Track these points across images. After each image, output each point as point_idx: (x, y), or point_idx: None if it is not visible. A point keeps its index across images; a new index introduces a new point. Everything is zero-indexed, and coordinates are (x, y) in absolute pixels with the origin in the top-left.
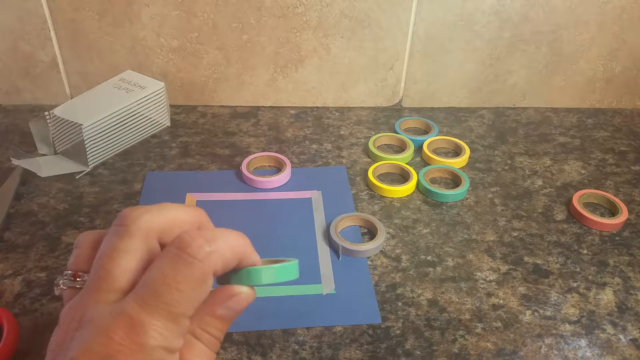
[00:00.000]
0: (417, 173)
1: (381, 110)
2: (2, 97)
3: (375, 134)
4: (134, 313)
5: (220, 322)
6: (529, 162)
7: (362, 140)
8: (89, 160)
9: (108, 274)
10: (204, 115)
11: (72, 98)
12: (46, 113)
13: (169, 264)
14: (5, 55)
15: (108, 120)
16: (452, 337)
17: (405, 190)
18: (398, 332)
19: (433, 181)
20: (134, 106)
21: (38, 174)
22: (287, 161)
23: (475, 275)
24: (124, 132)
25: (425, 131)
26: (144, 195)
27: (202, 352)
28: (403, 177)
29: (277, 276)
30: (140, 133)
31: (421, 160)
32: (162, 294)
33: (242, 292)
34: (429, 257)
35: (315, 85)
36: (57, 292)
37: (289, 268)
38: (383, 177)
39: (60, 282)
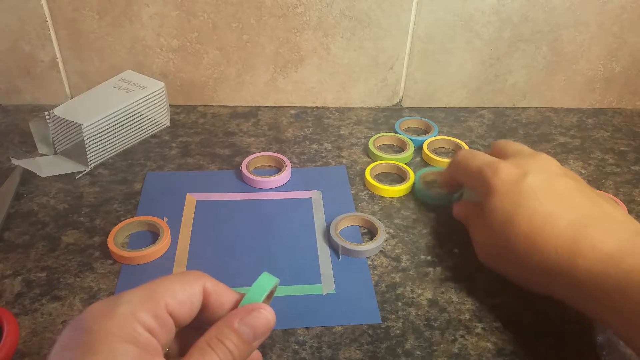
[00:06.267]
0: (415, 175)
1: (381, 110)
2: (2, 97)
3: (375, 134)
4: None
5: (237, 338)
6: None
7: (362, 140)
8: (89, 160)
9: None
10: (204, 115)
11: (72, 98)
12: (46, 113)
13: None
14: (5, 55)
15: (108, 120)
16: (452, 337)
17: (401, 190)
18: (398, 332)
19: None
20: (134, 106)
21: (38, 174)
22: (287, 161)
23: (476, 275)
24: (124, 132)
25: (425, 131)
26: (144, 195)
27: None
28: (401, 177)
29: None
30: (140, 133)
31: (421, 160)
32: None
33: (262, 309)
34: (429, 257)
35: (315, 85)
36: None
37: (264, 280)
38: (382, 177)
39: None
